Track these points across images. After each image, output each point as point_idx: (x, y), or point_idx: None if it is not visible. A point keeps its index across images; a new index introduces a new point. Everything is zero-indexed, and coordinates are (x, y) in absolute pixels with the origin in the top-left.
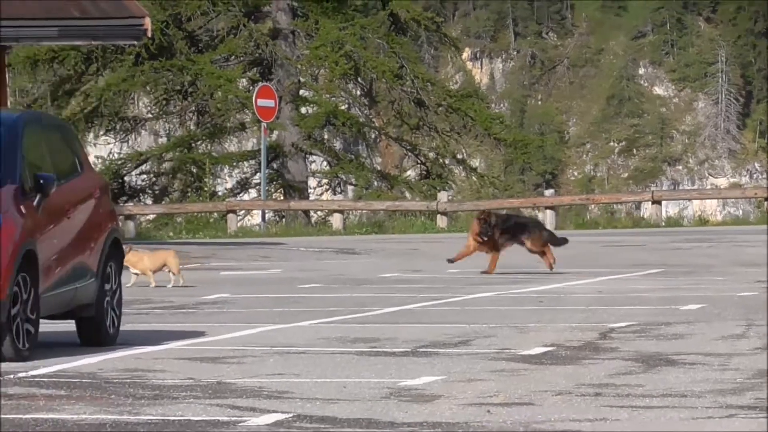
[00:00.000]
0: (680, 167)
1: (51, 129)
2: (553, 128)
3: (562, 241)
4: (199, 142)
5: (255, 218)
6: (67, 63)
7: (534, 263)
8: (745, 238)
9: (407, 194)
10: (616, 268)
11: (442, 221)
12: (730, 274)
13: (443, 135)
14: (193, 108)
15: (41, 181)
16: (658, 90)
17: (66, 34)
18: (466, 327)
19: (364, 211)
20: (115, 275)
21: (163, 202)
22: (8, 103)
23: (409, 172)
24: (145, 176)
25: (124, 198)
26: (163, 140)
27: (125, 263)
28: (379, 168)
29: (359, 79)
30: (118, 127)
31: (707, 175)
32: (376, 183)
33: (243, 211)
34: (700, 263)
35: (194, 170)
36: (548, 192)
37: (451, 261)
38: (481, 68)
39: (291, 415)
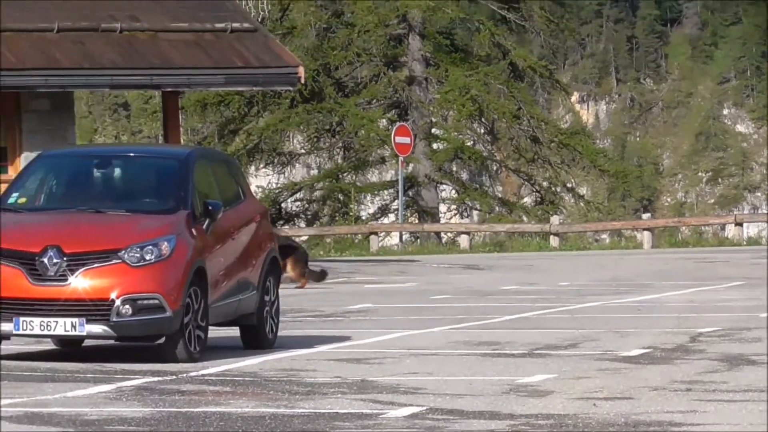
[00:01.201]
0: (759, 194)
1: (218, 163)
2: (649, 161)
3: (322, 275)
4: (345, 174)
5: (393, 239)
6: (232, 106)
7: (633, 277)
8: None
9: (524, 218)
10: (705, 281)
11: (554, 241)
12: None
13: (555, 167)
14: (340, 144)
15: (210, 208)
16: (740, 128)
17: (231, 81)
18: (574, 332)
19: (487, 233)
20: (273, 288)
21: (315, 226)
22: (181, 141)
23: (525, 199)
24: (299, 203)
25: (281, 222)
26: (314, 172)
27: None
28: (500, 195)
29: (483, 119)
30: (275, 161)
31: None
32: (497, 208)
33: (383, 233)
34: None
35: (341, 198)
36: (645, 216)
37: None
38: (588, 109)
39: (425, 408)
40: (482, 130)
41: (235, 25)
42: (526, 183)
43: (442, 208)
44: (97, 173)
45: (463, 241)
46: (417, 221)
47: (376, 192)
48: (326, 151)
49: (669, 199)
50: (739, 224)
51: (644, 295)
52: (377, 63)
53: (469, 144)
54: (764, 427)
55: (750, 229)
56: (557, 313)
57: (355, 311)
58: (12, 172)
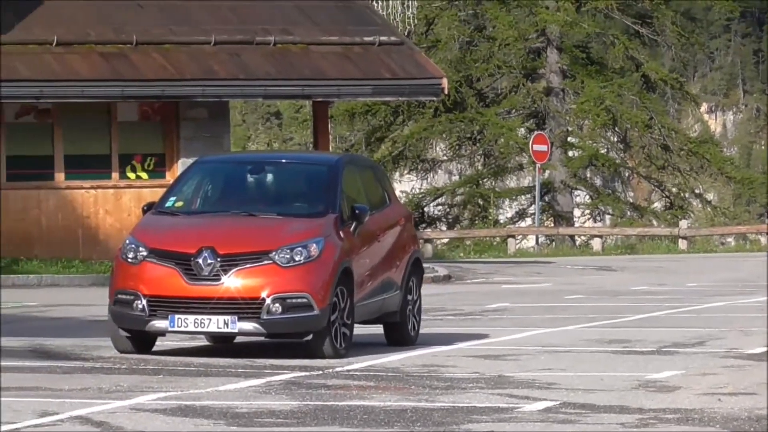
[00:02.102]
0: None
1: (365, 169)
2: None
3: None
4: (485, 180)
5: (530, 242)
6: (379, 115)
7: (757, 278)
8: None
9: (654, 222)
10: None
11: (682, 244)
12: None
13: (684, 174)
14: (481, 152)
15: (357, 211)
16: None
17: (378, 92)
18: (701, 330)
19: (618, 236)
20: (416, 288)
21: (455, 229)
22: (330, 148)
23: (656, 204)
24: (440, 207)
25: (424, 225)
26: (455, 178)
27: None
28: (631, 200)
29: (616, 128)
30: (419, 167)
31: None
32: (628, 213)
33: (520, 236)
34: None
35: (481, 202)
36: None
37: None
38: (716, 119)
39: (558, 402)
40: (615, 139)
41: (383, 38)
42: (656, 189)
43: (577, 212)
44: (250, 178)
45: (596, 243)
46: (552, 225)
47: (513, 197)
48: (467, 158)
49: None
50: None
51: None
52: (516, 75)
53: (602, 152)
54: None
55: None
56: (685, 313)
57: (493, 310)
58: (170, 178)
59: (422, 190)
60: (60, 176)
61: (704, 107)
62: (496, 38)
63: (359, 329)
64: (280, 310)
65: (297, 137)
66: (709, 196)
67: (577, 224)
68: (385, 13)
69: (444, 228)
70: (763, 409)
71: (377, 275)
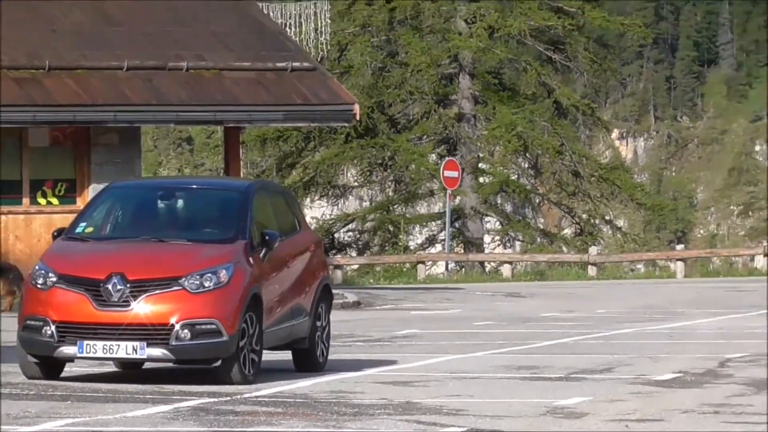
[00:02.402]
0: None
1: (276, 195)
2: (684, 195)
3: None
4: (395, 206)
5: (440, 268)
6: (290, 141)
7: (666, 305)
8: None
9: (564, 248)
10: (734, 308)
11: (592, 270)
12: None
13: (595, 200)
14: (392, 178)
15: (267, 238)
16: None
17: (290, 117)
18: (610, 357)
19: (528, 262)
20: (325, 314)
21: (365, 255)
22: (241, 174)
23: (566, 231)
24: (351, 233)
25: (334, 251)
26: (366, 204)
27: None
28: (541, 227)
29: (527, 155)
30: (330, 193)
31: None
32: (539, 239)
33: (430, 262)
34: None
35: (391, 228)
36: (679, 247)
37: None
38: (627, 145)
39: (466, 429)
40: (526, 165)
41: (296, 64)
42: (566, 215)
43: (487, 238)
44: (161, 204)
45: (506, 270)
46: (462, 251)
47: (424, 223)
48: (378, 184)
49: (702, 231)
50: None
51: (676, 323)
52: (429, 101)
53: (513, 178)
54: None
55: None
56: (594, 339)
57: (402, 336)
58: (81, 203)
59: (333, 216)
60: None
61: (616, 133)
62: (408, 64)
63: (268, 355)
64: (189, 336)
65: (208, 163)
66: (620, 223)
67: (487, 250)
68: (298, 38)
69: (354, 254)
70: None
71: (286, 301)
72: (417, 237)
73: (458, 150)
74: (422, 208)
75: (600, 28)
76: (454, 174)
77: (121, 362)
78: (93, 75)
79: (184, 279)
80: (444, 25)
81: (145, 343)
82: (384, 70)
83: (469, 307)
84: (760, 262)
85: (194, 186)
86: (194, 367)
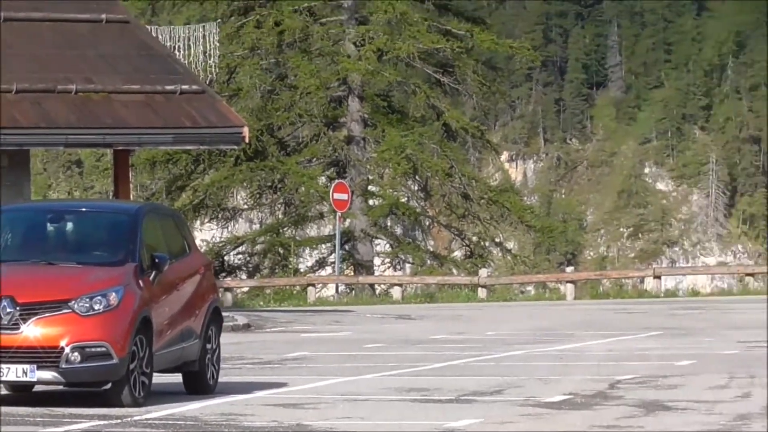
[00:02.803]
0: (677, 248)
1: (165, 217)
2: (574, 217)
3: None
4: (285, 228)
5: (330, 290)
6: (180, 164)
7: (556, 327)
8: (729, 306)
9: (454, 271)
10: (624, 330)
11: (482, 293)
12: (717, 336)
13: (484, 222)
14: (281, 200)
15: (156, 260)
16: (660, 186)
17: (179, 140)
18: (500, 379)
19: (418, 285)
20: (215, 337)
21: (255, 277)
22: (131, 197)
23: (456, 253)
24: (241, 256)
25: (224, 274)
26: (256, 227)
27: None
28: (431, 249)
29: (417, 177)
30: (220, 216)
31: (699, 255)
32: (429, 261)
33: (320, 285)
34: (693, 327)
35: (281, 251)
36: (569, 269)
37: None
38: (517, 168)
39: None
40: (416, 188)
41: (185, 87)
42: (456, 237)
43: (377, 261)
44: (50, 227)
45: (396, 292)
46: (352, 273)
47: (314, 246)
48: (268, 207)
49: (592, 253)
50: (658, 277)
51: (566, 344)
52: (318, 123)
53: (403, 200)
54: None
55: (668, 282)
56: (484, 361)
57: (292, 359)
58: None
59: (223, 239)
60: None
61: (505, 156)
62: (297, 87)
63: (158, 378)
64: (79, 359)
65: (98, 186)
66: (510, 245)
67: (377, 273)
68: (187, 61)
69: (244, 276)
70: None
71: (176, 324)
72: (307, 259)
73: (348, 172)
74: (312, 231)
75: (489, 50)
76: (344, 196)
77: (11, 385)
78: None
79: (73, 302)
80: (333, 48)
81: (35, 366)
82: (273, 92)
83: (360, 329)
84: (649, 284)
85: (84, 209)
86: (85, 389)
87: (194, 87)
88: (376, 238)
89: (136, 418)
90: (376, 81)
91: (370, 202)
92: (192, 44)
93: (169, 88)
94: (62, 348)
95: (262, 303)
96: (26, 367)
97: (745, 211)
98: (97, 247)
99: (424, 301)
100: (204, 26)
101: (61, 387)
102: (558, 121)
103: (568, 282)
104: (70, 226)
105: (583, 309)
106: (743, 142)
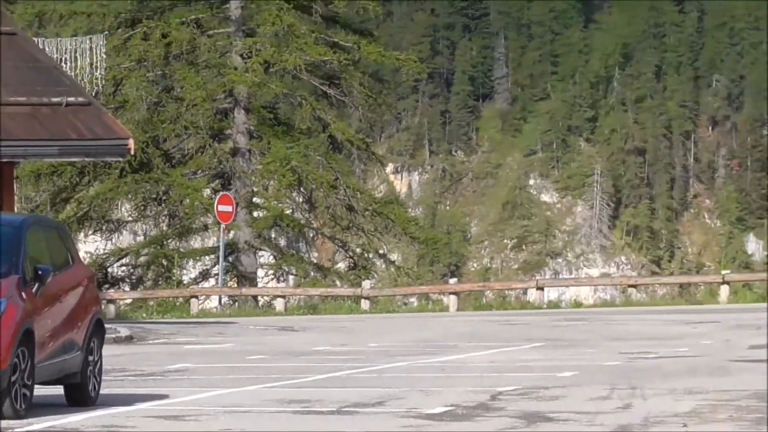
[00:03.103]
0: (561, 260)
1: (49, 229)
2: (458, 228)
3: None
4: (169, 240)
5: (213, 302)
6: (65, 176)
7: (439, 339)
8: (612, 317)
9: (338, 282)
10: (507, 342)
11: (365, 304)
12: (599, 347)
13: (369, 234)
14: (166, 212)
15: (40, 272)
16: (545, 197)
17: (65, 152)
18: (382, 390)
19: (302, 296)
20: (97, 348)
21: (139, 289)
22: (15, 209)
23: (339, 264)
24: (124, 268)
25: (107, 285)
26: (140, 238)
27: None
28: (315, 261)
29: (302, 189)
30: (104, 228)
31: (582, 266)
32: (312, 273)
33: (204, 296)
34: (575, 338)
35: (165, 263)
36: (452, 280)
37: None
38: (402, 179)
39: None
40: (301, 199)
41: (71, 99)
42: (340, 249)
43: (260, 272)
44: None
45: (279, 304)
46: (236, 285)
47: (198, 257)
48: (152, 219)
49: (475, 265)
50: (541, 288)
51: (449, 356)
52: (204, 135)
53: (288, 212)
54: None
55: (551, 294)
56: (366, 373)
57: (175, 370)
58: None
59: (106, 251)
60: None
61: (390, 167)
62: (183, 99)
63: (39, 390)
64: None
65: None
66: (393, 256)
67: (260, 284)
68: (73, 73)
69: (127, 288)
70: None
71: (59, 336)
72: (191, 271)
73: (233, 184)
74: (196, 243)
75: (375, 62)
76: (228, 208)
77: None
78: None
79: None
80: (219, 60)
81: None
82: (159, 104)
83: (242, 341)
84: (532, 295)
85: None
86: None
87: (80, 99)
88: (260, 249)
89: (17, 430)
90: (263, 93)
91: (255, 213)
92: (79, 56)
93: (55, 100)
94: None
95: (145, 315)
96: None
97: (629, 222)
98: None
99: (307, 312)
100: (91, 38)
101: None
102: (444, 132)
103: (451, 293)
104: None
105: (466, 320)
106: (628, 154)
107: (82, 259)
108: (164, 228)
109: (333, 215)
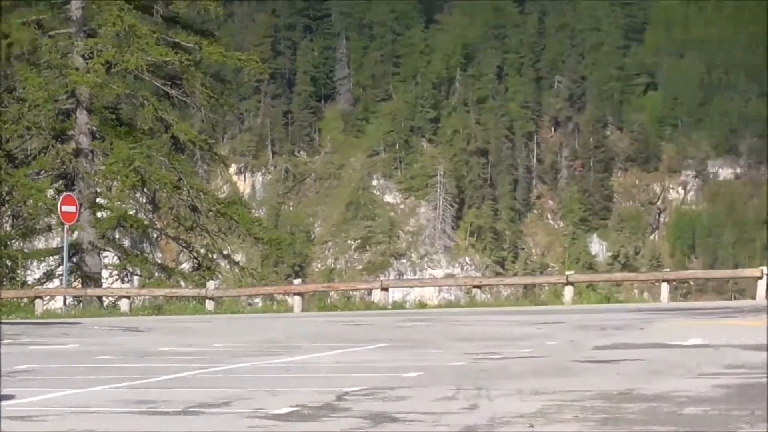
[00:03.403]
0: (405, 261)
1: None
2: (301, 229)
3: None
4: (13, 241)
5: (58, 303)
6: None
7: (284, 339)
8: (456, 318)
9: (182, 283)
10: (352, 342)
11: (210, 305)
12: (444, 348)
13: (213, 235)
14: (9, 213)
15: None
16: (389, 198)
17: None
18: (228, 391)
19: (147, 297)
20: None
21: None
22: None
23: (184, 265)
24: None
25: None
26: None
27: None
28: (159, 261)
29: (145, 190)
30: None
31: (427, 267)
32: (157, 274)
33: (48, 297)
34: (420, 338)
35: (9, 263)
36: (297, 281)
37: None
38: (245, 180)
39: None
40: (144, 200)
41: None
42: (184, 250)
43: (105, 273)
44: None
45: (124, 304)
46: (80, 286)
47: (42, 258)
48: None
49: (320, 265)
50: (385, 289)
51: (294, 356)
52: (46, 136)
53: (131, 213)
54: None
55: (395, 294)
56: (212, 373)
57: (21, 371)
58: None
59: None
60: None
61: (234, 168)
62: (26, 99)
63: None
64: None
65: None
66: (237, 257)
67: (105, 285)
68: None
69: None
70: None
71: None
72: (35, 272)
73: (76, 185)
74: (40, 243)
75: (217, 63)
76: (72, 209)
77: None
78: None
79: None
80: (61, 61)
81: None
82: (1, 105)
83: (88, 341)
84: (377, 296)
85: None
86: None
87: None
88: (104, 250)
89: None
90: (105, 93)
91: (99, 214)
92: None
93: None
94: None
95: None
96: None
97: (473, 223)
98: None
99: (152, 313)
100: None
101: None
102: (286, 133)
103: (295, 294)
104: None
105: (310, 321)
106: (471, 155)
107: None
108: (8, 228)
109: (176, 216)
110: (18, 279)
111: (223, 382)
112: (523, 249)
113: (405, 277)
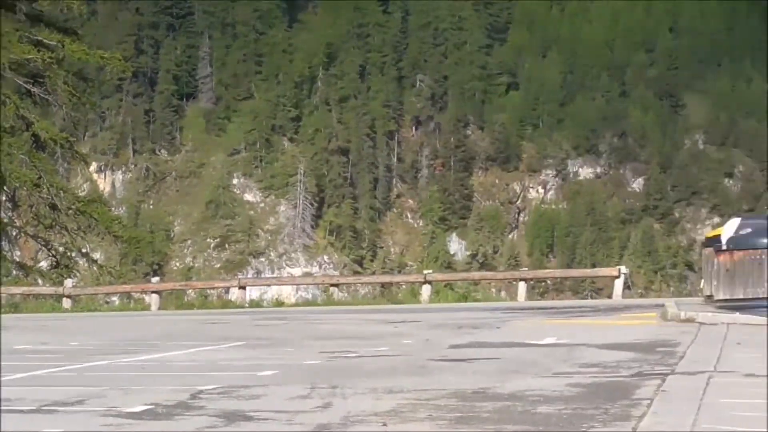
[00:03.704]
0: (263, 259)
1: None
2: (161, 227)
3: None
4: None
5: None
6: None
7: (140, 338)
8: (314, 317)
9: (40, 281)
10: (207, 341)
11: (67, 303)
12: (300, 347)
13: (72, 233)
14: None
15: None
16: (248, 197)
17: None
18: (82, 389)
19: (3, 295)
20: None
21: None
22: None
23: (42, 263)
24: None
25: None
26: None
27: None
28: (18, 259)
29: (5, 188)
30: None
31: (285, 265)
32: (14, 272)
33: None
34: (276, 337)
35: None
36: (155, 279)
37: None
38: (105, 178)
39: None
40: (4, 198)
41: None
42: (43, 248)
43: None
44: None
45: None
46: None
47: None
48: None
49: (178, 264)
50: (243, 287)
51: (150, 354)
52: None
53: None
54: None
55: (253, 293)
56: (67, 371)
57: None
58: None
59: None
60: None
61: (94, 166)
62: None
63: None
64: None
65: None
66: (96, 255)
67: None
68: None
69: None
70: None
71: None
72: None
73: None
74: None
75: (80, 61)
76: None
77: None
78: None
79: None
80: None
81: None
82: None
83: None
84: (234, 294)
85: None
86: None
87: None
88: None
89: None
90: None
91: None
92: None
93: None
94: None
95: None
96: None
97: (332, 222)
98: None
99: (9, 311)
100: None
101: None
102: (148, 131)
103: (153, 292)
104: None
105: (167, 319)
106: (332, 154)
107: None
108: None
109: (36, 214)
110: None
111: (78, 380)
112: (381, 248)
113: (263, 275)
